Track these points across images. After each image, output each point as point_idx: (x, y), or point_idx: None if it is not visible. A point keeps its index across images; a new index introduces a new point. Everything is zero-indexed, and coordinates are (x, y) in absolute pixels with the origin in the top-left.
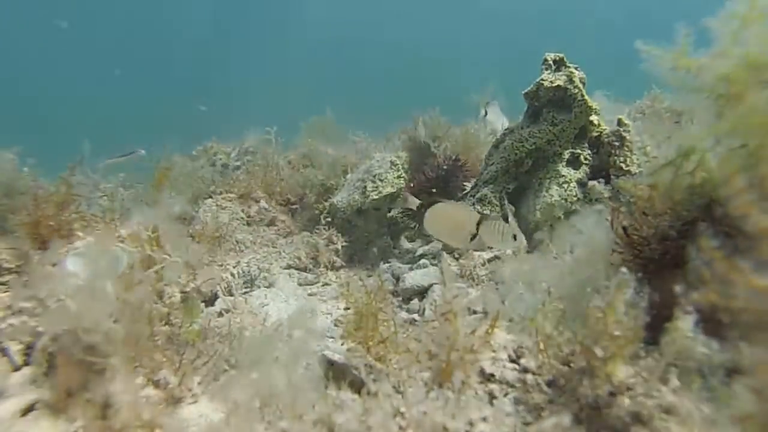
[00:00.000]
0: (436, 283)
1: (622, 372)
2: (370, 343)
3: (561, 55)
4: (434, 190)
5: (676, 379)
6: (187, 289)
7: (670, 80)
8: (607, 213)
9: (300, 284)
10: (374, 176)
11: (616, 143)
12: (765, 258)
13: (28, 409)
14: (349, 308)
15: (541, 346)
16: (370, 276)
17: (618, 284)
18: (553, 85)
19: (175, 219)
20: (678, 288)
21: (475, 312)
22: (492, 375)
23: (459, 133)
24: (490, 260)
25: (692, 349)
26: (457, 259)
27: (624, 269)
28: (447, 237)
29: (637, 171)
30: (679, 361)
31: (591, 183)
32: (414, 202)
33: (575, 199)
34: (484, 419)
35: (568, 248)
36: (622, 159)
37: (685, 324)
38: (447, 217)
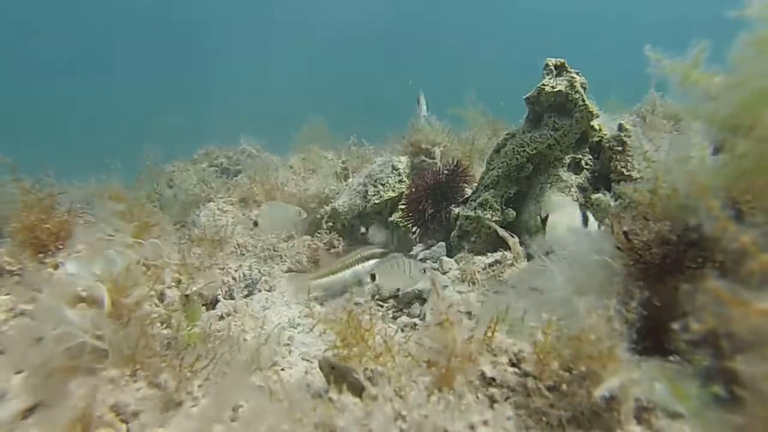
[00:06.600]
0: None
1: (619, 377)
2: (369, 354)
3: (562, 60)
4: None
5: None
6: (188, 293)
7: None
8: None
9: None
10: (375, 181)
11: (618, 148)
12: (748, 273)
13: (28, 412)
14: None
15: (541, 356)
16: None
17: (588, 310)
18: (555, 90)
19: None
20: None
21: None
22: (493, 379)
23: (459, 139)
24: (491, 264)
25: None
26: (458, 263)
27: (584, 300)
28: None
29: (638, 176)
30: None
31: (596, 196)
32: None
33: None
34: (485, 423)
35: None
36: (623, 164)
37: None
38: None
